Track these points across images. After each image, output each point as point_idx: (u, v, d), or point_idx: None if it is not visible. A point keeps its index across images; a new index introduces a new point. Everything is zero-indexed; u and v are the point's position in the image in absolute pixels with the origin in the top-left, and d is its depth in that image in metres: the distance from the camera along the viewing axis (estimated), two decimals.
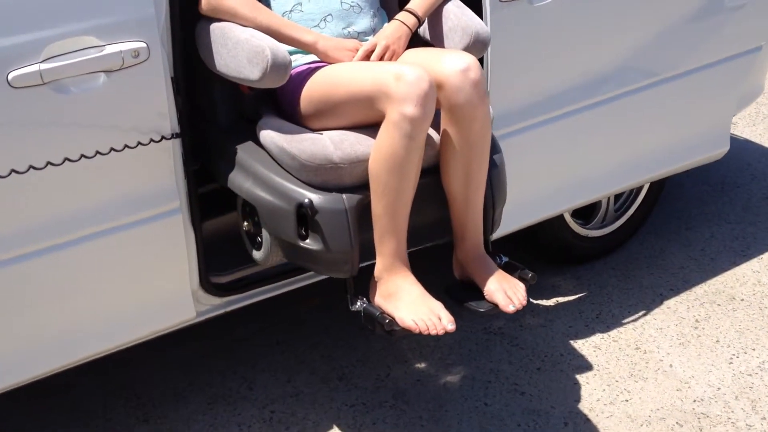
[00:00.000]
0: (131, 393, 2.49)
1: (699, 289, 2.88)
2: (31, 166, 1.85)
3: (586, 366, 2.56)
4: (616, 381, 2.49)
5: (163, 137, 2.00)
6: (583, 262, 3.00)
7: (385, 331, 1.96)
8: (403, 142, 1.90)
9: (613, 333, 2.69)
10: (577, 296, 2.85)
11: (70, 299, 2.01)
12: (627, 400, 2.42)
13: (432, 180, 2.06)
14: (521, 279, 2.11)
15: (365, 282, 2.05)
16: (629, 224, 3.07)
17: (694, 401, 2.41)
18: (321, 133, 2.04)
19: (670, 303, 2.82)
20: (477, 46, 2.12)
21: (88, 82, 1.88)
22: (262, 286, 2.34)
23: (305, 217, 1.97)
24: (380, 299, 2.01)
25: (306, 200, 1.95)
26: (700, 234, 3.18)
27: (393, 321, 1.95)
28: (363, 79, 1.97)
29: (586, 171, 2.66)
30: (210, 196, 2.35)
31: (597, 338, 2.66)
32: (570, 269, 2.97)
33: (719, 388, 2.45)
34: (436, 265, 2.23)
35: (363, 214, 1.98)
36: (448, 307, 1.98)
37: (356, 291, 2.05)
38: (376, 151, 1.95)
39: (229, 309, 2.33)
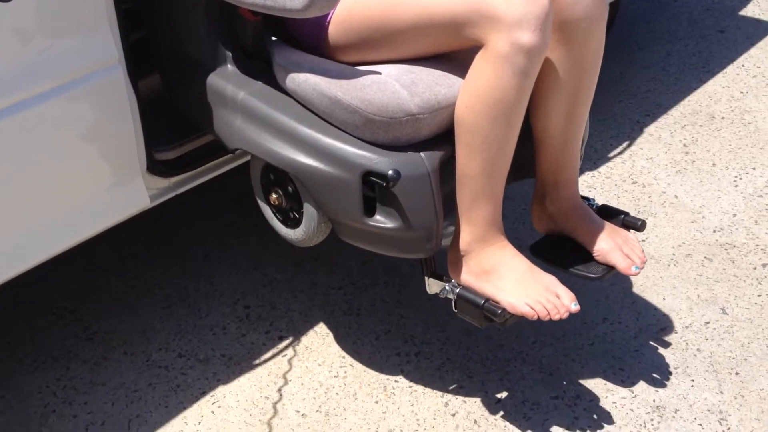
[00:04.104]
0: (60, 307, 2.01)
1: (675, 112, 2.63)
2: None
3: None
4: None
5: None
6: None
7: (494, 323, 1.54)
8: (514, 81, 1.43)
9: (603, 169, 2.40)
10: None
11: (9, 192, 1.50)
12: (644, 240, 2.15)
13: None
14: (625, 226, 1.71)
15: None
16: None
17: (714, 232, 2.17)
18: (380, 73, 1.53)
19: (651, 129, 2.55)
20: None
21: None
22: (215, 160, 1.88)
23: (374, 187, 1.49)
24: (471, 278, 1.57)
25: (391, 171, 1.45)
26: (656, 53, 2.92)
27: (505, 310, 1.52)
28: None
29: None
30: None
31: (588, 177, 2.36)
32: None
33: (735, 215, 2.22)
34: None
35: (443, 174, 1.52)
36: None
37: (437, 270, 1.62)
38: (473, 94, 1.46)
39: (179, 191, 1.86)
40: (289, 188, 1.65)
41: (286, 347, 1.89)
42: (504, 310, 1.52)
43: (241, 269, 2.10)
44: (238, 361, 1.86)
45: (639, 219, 1.71)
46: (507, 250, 1.57)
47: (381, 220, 1.52)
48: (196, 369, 1.85)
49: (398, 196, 1.49)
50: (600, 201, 2.27)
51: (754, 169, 2.38)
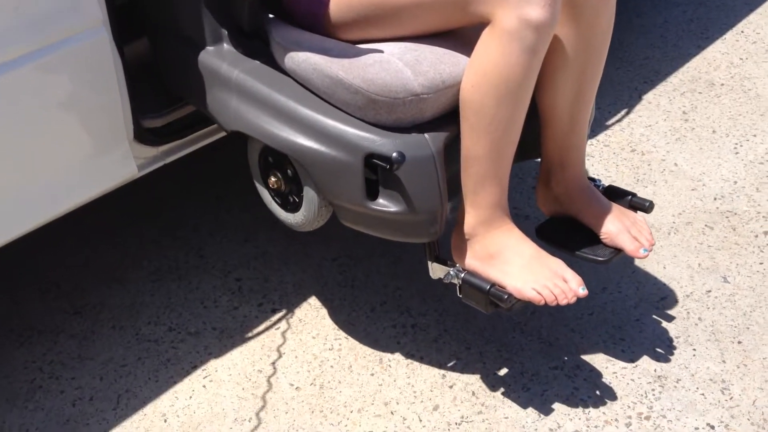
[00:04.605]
0: (47, 281, 1.96)
1: (674, 79, 2.58)
2: None
3: None
4: None
5: None
6: None
7: (501, 309, 1.50)
8: (522, 59, 1.37)
9: (601, 137, 2.35)
10: None
11: None
12: None
13: None
14: (633, 207, 1.67)
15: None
16: None
17: (715, 199, 2.12)
18: (382, 51, 1.47)
19: (649, 97, 2.50)
20: None
21: None
22: (204, 128, 1.83)
23: (376, 170, 1.44)
24: (476, 263, 1.52)
25: (395, 154, 1.40)
26: (653, 20, 2.86)
27: (511, 296, 1.48)
28: None
29: None
30: None
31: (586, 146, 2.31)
32: None
33: (736, 182, 2.17)
34: None
35: (447, 155, 1.47)
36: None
37: (440, 254, 1.57)
38: (479, 73, 1.40)
39: (167, 161, 1.81)
40: (289, 171, 1.60)
41: (280, 320, 1.85)
42: (510, 295, 1.48)
43: (233, 241, 2.05)
44: (230, 335, 1.82)
45: (647, 200, 1.67)
46: (513, 234, 1.53)
47: (384, 204, 1.48)
48: (187, 343, 1.80)
49: (402, 178, 1.44)
50: (601, 171, 2.23)
51: (754, 135, 2.34)
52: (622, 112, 2.44)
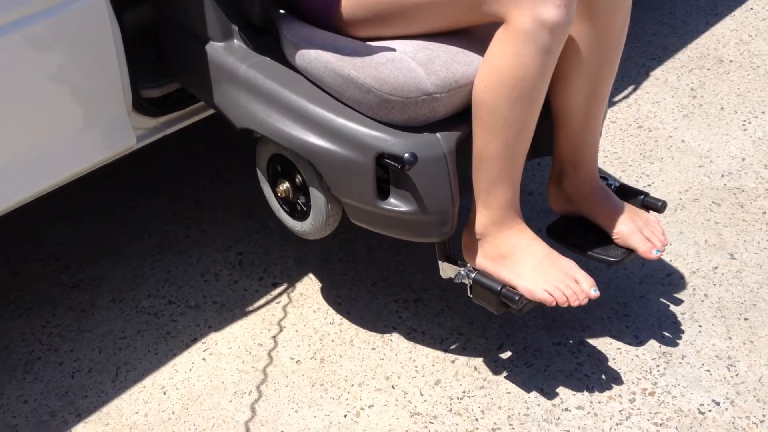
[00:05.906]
0: (47, 253, 1.94)
1: (682, 55, 2.54)
2: None
3: None
4: (630, 166, 2.14)
5: None
6: None
7: (512, 310, 1.48)
8: (536, 60, 1.34)
9: (608, 114, 2.32)
10: None
11: None
12: (650, 185, 2.08)
13: None
14: (645, 207, 1.64)
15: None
16: None
17: (723, 176, 2.09)
18: (394, 49, 1.45)
19: (657, 73, 2.47)
20: None
21: None
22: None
23: (388, 169, 1.42)
24: (487, 262, 1.50)
25: (407, 154, 1.38)
26: None
27: (522, 297, 1.46)
28: None
29: None
30: None
31: None
32: None
33: (744, 159, 2.14)
34: None
35: (459, 155, 1.44)
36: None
37: (451, 254, 1.55)
38: (492, 73, 1.38)
39: (167, 132, 1.79)
40: (297, 180, 1.58)
41: (280, 294, 1.83)
42: (521, 296, 1.46)
43: (234, 216, 2.03)
44: (230, 308, 1.80)
45: (659, 200, 1.65)
46: (525, 234, 1.51)
47: (395, 204, 1.46)
48: (187, 316, 1.79)
49: (413, 178, 1.42)
50: (607, 147, 2.20)
51: (763, 113, 2.31)
52: (630, 89, 2.41)
